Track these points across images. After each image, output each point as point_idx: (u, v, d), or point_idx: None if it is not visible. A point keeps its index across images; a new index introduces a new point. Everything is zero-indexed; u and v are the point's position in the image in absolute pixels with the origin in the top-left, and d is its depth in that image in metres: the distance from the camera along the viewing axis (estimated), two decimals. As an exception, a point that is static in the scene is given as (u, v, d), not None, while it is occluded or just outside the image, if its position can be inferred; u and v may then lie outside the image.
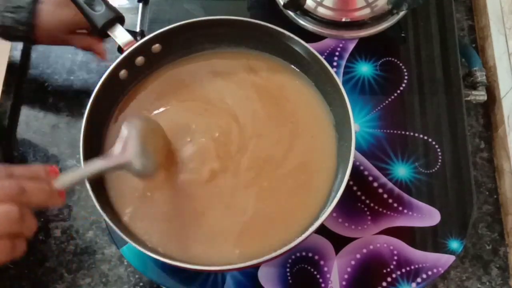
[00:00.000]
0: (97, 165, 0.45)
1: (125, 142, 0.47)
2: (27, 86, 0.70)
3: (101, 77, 0.53)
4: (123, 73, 0.56)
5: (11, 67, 0.70)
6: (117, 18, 0.56)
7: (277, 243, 0.48)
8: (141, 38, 0.56)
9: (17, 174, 0.39)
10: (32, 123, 0.68)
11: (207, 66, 0.60)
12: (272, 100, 0.58)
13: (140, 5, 0.71)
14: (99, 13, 0.56)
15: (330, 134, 0.56)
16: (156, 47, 0.57)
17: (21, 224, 0.37)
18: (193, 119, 0.56)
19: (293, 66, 0.59)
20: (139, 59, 0.57)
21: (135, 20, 0.70)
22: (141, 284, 0.59)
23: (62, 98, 0.69)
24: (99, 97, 0.53)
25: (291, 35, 0.55)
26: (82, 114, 0.51)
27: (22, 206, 0.38)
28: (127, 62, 0.55)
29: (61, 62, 0.71)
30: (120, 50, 0.56)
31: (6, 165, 0.40)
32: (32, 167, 0.41)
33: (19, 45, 0.71)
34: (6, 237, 0.37)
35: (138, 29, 0.69)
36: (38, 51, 0.71)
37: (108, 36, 0.56)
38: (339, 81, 0.53)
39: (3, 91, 0.69)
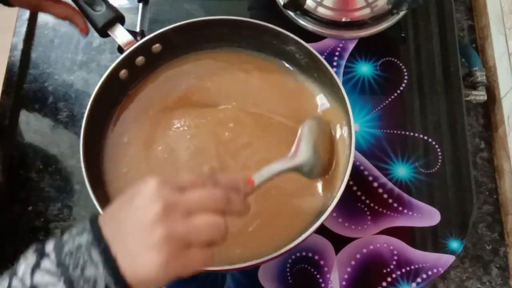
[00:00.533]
0: (277, 167, 0.46)
1: (299, 143, 0.49)
2: (27, 86, 0.70)
3: (101, 76, 0.53)
4: (123, 73, 0.56)
5: (11, 67, 0.70)
6: (118, 18, 0.56)
7: (277, 243, 0.48)
8: (141, 38, 0.56)
9: (223, 183, 0.39)
10: (32, 123, 0.67)
11: (207, 65, 0.60)
12: (272, 100, 0.58)
13: (140, 5, 0.71)
14: (99, 13, 0.56)
15: (330, 134, 0.56)
16: (157, 47, 0.57)
17: (222, 234, 0.37)
18: (193, 119, 0.56)
19: (293, 67, 0.59)
20: (140, 59, 0.56)
21: (135, 20, 0.70)
22: (141, 284, 0.59)
23: (62, 98, 0.68)
24: (99, 97, 0.53)
25: (291, 35, 0.55)
26: (82, 114, 0.51)
27: (224, 216, 0.37)
28: (128, 62, 0.55)
29: (61, 62, 0.71)
30: (120, 50, 0.56)
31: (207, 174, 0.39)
32: (233, 177, 0.41)
33: (19, 45, 0.71)
34: (208, 245, 0.37)
35: (138, 29, 0.69)
36: (38, 51, 0.71)
37: (109, 35, 0.56)
38: (339, 81, 0.53)
39: (3, 91, 0.69)
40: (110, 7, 0.56)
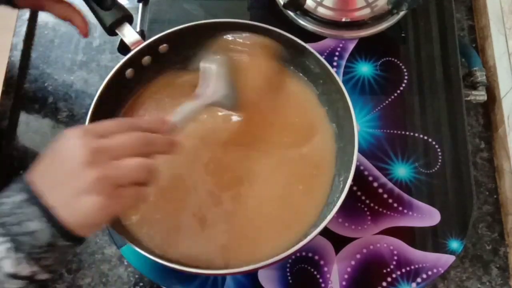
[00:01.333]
0: (197, 104, 0.48)
1: (212, 80, 0.51)
2: (27, 86, 0.70)
3: (101, 76, 0.53)
4: (129, 72, 0.55)
5: (11, 67, 0.70)
6: (126, 17, 0.56)
7: (279, 246, 0.48)
8: (142, 38, 0.56)
9: (141, 127, 0.41)
10: (32, 123, 0.67)
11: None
12: (274, 101, 0.58)
13: (140, 5, 0.71)
14: (108, 11, 0.55)
15: (331, 136, 0.56)
16: (164, 47, 0.57)
17: (152, 174, 0.39)
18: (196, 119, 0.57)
19: (294, 69, 0.59)
20: (146, 59, 0.56)
21: (135, 20, 0.70)
22: (141, 284, 0.59)
23: (62, 98, 0.68)
24: (104, 95, 0.52)
25: (300, 41, 0.55)
26: (82, 114, 0.51)
27: (150, 156, 0.40)
28: (134, 61, 0.55)
29: (61, 62, 0.71)
30: (120, 50, 0.56)
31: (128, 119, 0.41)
32: (150, 120, 0.44)
33: (19, 45, 0.71)
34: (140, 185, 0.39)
35: (138, 29, 0.69)
36: (38, 51, 0.71)
37: (116, 34, 0.56)
38: (341, 84, 0.53)
39: (3, 91, 0.69)
40: (119, 6, 0.56)
